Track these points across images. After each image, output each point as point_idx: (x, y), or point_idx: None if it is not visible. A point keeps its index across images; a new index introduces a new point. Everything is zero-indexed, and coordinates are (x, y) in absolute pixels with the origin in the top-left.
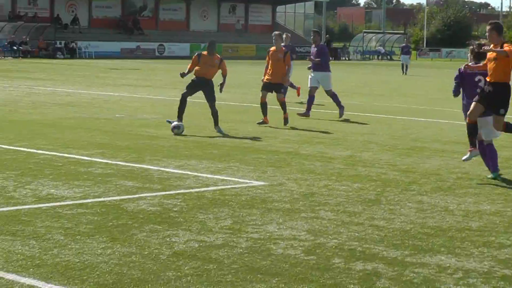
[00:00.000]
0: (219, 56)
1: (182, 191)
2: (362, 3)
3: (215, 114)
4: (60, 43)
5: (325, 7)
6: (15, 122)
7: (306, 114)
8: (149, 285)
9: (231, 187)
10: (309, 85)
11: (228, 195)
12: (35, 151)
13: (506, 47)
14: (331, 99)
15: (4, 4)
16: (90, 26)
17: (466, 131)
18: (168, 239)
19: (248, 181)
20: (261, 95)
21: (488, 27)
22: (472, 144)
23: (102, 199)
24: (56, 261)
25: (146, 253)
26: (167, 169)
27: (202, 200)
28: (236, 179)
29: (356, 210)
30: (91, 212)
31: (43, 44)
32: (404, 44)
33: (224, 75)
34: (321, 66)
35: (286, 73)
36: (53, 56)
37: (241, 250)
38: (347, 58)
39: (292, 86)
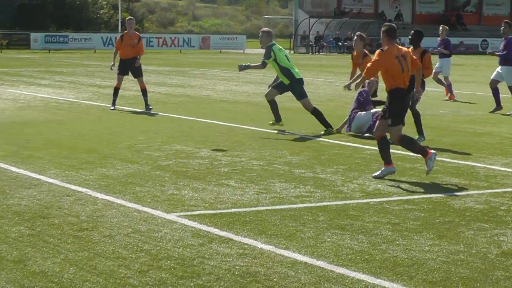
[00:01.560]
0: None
1: (509, 189)
2: None
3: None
4: None
5: None
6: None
7: (497, 108)
8: (478, 284)
9: None
10: (491, 78)
11: None
12: (361, 146)
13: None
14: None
15: (330, 1)
16: (414, 22)
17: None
18: (496, 238)
19: None
20: None
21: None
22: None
23: (428, 195)
24: (384, 257)
25: (473, 251)
26: (494, 167)
27: None
28: None
29: None
30: (418, 208)
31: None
32: None
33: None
34: (506, 60)
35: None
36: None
37: None
38: None
39: (440, 82)
